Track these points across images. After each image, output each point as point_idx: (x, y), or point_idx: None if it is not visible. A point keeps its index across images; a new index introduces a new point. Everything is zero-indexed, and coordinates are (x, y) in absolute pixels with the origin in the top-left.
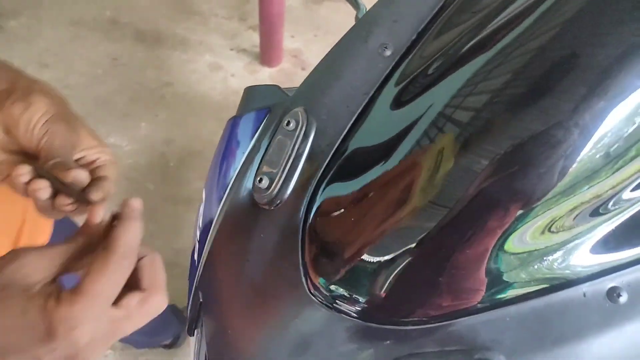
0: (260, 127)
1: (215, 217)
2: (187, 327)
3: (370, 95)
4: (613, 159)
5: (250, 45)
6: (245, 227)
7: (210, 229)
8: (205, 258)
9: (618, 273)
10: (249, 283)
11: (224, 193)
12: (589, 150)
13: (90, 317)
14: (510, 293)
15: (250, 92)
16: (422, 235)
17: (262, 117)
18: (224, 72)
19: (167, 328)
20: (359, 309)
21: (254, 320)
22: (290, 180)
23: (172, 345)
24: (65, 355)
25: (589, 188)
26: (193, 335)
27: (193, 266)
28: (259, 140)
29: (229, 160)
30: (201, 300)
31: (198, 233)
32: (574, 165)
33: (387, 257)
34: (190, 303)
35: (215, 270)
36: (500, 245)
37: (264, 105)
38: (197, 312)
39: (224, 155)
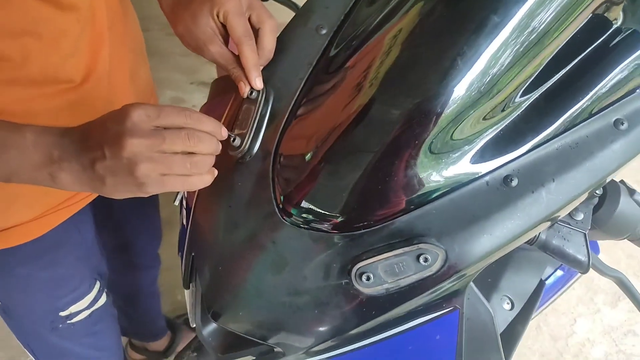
0: (230, 102)
1: None
2: (182, 281)
3: (313, 64)
4: (498, 75)
5: (209, 78)
6: (225, 180)
7: (194, 194)
8: (192, 214)
9: (509, 164)
10: (233, 222)
11: None
12: (478, 72)
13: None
14: (434, 190)
15: (217, 83)
16: (360, 158)
17: (227, 100)
18: (186, 104)
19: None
20: (321, 222)
21: (240, 251)
22: (257, 137)
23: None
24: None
25: (482, 99)
26: (188, 288)
27: (182, 228)
28: (227, 114)
29: None
30: (193, 253)
31: (184, 201)
32: (467, 83)
33: (336, 176)
34: (183, 259)
35: (204, 221)
36: (421, 153)
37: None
38: (190, 265)
39: None
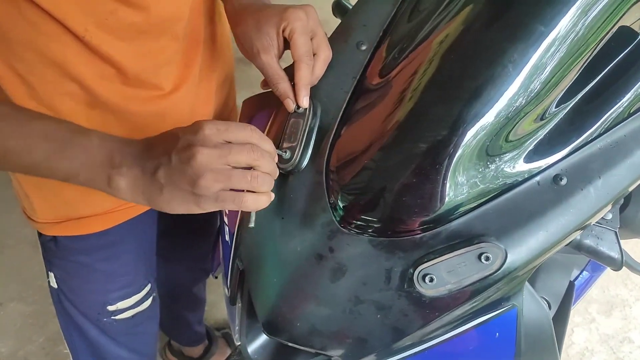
0: (271, 118)
1: None
2: (229, 298)
3: (357, 78)
4: (544, 81)
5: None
6: (275, 193)
7: (238, 210)
8: (238, 229)
9: (557, 164)
10: (287, 234)
11: None
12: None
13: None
14: (490, 190)
15: (248, 103)
16: (414, 162)
17: (263, 118)
18: None
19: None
20: (381, 227)
21: (297, 262)
22: (307, 149)
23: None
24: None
25: (530, 104)
26: (235, 304)
27: (225, 244)
28: (269, 131)
29: None
30: (241, 268)
31: (226, 218)
32: (515, 91)
33: (392, 181)
34: (230, 276)
35: (253, 235)
36: (477, 156)
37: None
38: (237, 282)
39: None
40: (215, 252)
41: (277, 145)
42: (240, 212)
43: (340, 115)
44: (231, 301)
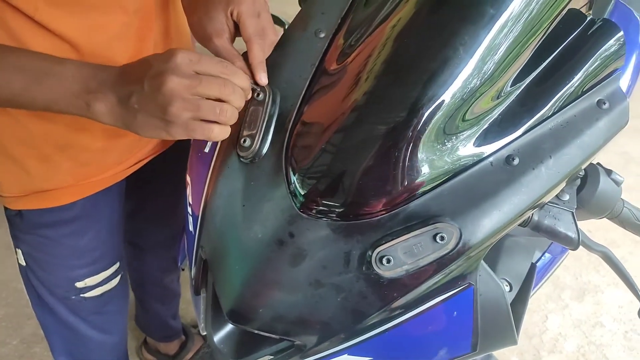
0: None
1: (206, 185)
2: (193, 288)
3: (316, 65)
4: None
5: None
6: (236, 181)
7: (201, 199)
8: (201, 218)
9: (510, 145)
10: (248, 221)
11: (210, 166)
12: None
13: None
14: (444, 172)
15: None
16: (370, 146)
17: None
18: None
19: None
20: (339, 211)
21: (258, 248)
22: (267, 136)
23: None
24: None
25: (482, 85)
26: (199, 294)
27: (189, 234)
28: None
29: (207, 142)
30: (204, 258)
31: (189, 208)
32: (468, 73)
33: (349, 166)
34: (193, 265)
35: (215, 224)
36: (431, 138)
37: None
38: (200, 271)
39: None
40: (182, 243)
41: (238, 134)
42: (203, 200)
43: (299, 102)
44: (195, 291)
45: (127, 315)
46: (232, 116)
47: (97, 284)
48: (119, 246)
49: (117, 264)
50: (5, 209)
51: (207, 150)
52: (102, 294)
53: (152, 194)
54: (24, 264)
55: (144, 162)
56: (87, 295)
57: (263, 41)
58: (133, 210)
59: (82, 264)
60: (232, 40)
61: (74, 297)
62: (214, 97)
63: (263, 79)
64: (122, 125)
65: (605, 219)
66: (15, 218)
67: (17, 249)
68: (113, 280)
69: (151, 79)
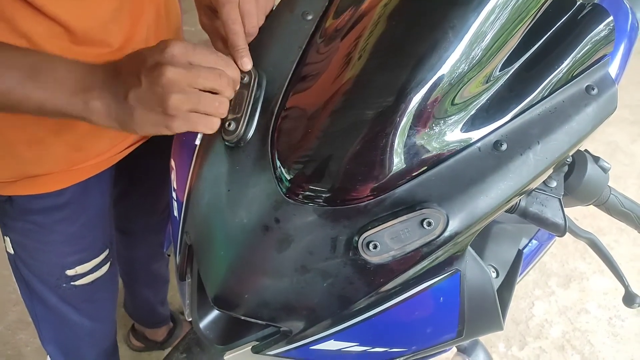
0: None
1: (190, 170)
2: (178, 274)
3: (303, 48)
4: (484, 47)
5: None
6: (221, 166)
7: (186, 184)
8: (185, 204)
9: (498, 130)
10: (233, 206)
11: (194, 151)
12: (467, 43)
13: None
14: (431, 157)
15: None
16: (356, 130)
17: None
18: None
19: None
20: (326, 196)
21: (243, 234)
22: (252, 121)
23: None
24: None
25: (471, 70)
26: (184, 280)
27: (174, 220)
28: None
29: None
30: (189, 243)
31: (174, 193)
32: (457, 57)
33: (336, 150)
34: (178, 250)
35: (200, 209)
36: (418, 122)
37: None
38: (185, 257)
39: None
40: (167, 229)
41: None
42: (188, 184)
43: (285, 85)
44: (180, 277)
45: (116, 303)
46: (226, 108)
47: (87, 271)
48: (109, 232)
49: (107, 251)
50: None
51: (192, 135)
52: (92, 282)
53: (140, 179)
54: (12, 252)
55: (135, 146)
56: (77, 283)
57: (241, 27)
58: (120, 195)
59: (73, 251)
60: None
61: (64, 285)
62: (209, 88)
63: (246, 64)
64: (118, 126)
65: (592, 206)
66: (5, 204)
67: (5, 237)
68: (103, 267)
69: (148, 72)
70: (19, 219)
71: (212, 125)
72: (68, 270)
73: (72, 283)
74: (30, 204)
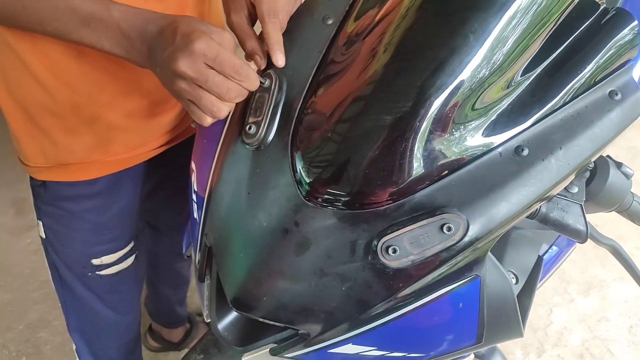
0: None
1: (211, 172)
2: (197, 275)
3: (323, 52)
4: (506, 52)
5: None
6: (242, 169)
7: (206, 186)
8: (206, 205)
9: (519, 135)
10: (253, 209)
11: (215, 153)
12: (488, 48)
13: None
14: (452, 162)
15: None
16: (378, 134)
17: None
18: None
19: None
20: (345, 200)
21: (263, 236)
22: (273, 124)
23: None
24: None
25: (492, 75)
26: (203, 281)
27: (194, 221)
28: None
29: (213, 129)
30: (209, 245)
31: (194, 195)
32: (478, 62)
33: (356, 154)
34: (198, 252)
35: (220, 211)
36: (439, 127)
37: None
38: (205, 259)
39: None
40: (187, 230)
41: (243, 121)
42: (208, 185)
43: (305, 89)
44: (199, 278)
45: (140, 297)
46: (223, 114)
47: (113, 262)
48: (135, 225)
49: (132, 243)
50: (31, 178)
51: (212, 137)
52: (117, 272)
53: (170, 178)
54: (44, 236)
55: (169, 145)
56: (102, 272)
57: (277, 19)
58: (151, 191)
59: (100, 241)
60: (252, 21)
61: (90, 273)
62: (215, 94)
63: (280, 60)
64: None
65: (614, 212)
66: (40, 189)
67: (39, 221)
68: (128, 259)
69: (168, 54)
70: (51, 203)
71: (204, 121)
72: (94, 260)
73: (97, 272)
74: (62, 191)
